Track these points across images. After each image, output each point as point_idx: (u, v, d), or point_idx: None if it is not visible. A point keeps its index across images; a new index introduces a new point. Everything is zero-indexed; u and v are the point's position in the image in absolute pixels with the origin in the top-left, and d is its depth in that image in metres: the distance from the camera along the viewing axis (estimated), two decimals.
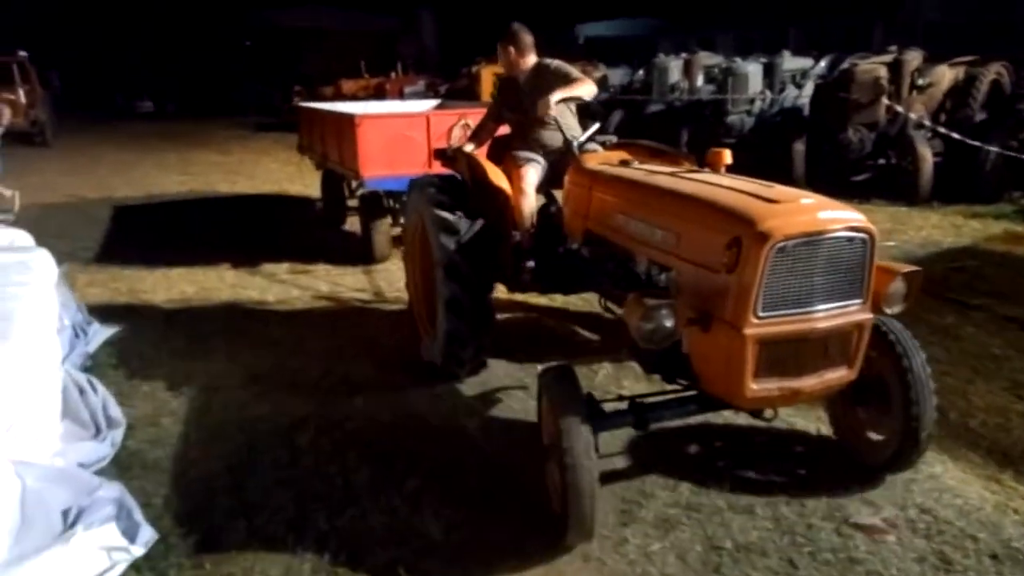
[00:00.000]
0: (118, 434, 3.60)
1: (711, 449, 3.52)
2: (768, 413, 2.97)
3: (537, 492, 2.96)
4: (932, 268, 6.26)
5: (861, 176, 9.97)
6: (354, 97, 20.52)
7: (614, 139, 4.39)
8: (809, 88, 11.82)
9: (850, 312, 2.66)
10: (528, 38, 4.32)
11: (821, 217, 2.60)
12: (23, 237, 5.54)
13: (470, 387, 4.18)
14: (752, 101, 11.92)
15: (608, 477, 3.09)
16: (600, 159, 3.80)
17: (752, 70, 11.81)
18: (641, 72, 15.04)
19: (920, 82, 9.30)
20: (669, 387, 3.05)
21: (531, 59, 4.35)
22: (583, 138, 3.99)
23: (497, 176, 4.19)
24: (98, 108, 31.91)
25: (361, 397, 4.06)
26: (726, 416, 3.47)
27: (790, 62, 12.35)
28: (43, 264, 4.77)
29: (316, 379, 4.30)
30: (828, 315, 2.62)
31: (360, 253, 6.94)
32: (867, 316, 2.72)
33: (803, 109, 11.62)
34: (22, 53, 20.03)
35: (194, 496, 3.15)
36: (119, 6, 36.22)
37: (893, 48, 9.80)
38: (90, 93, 34.79)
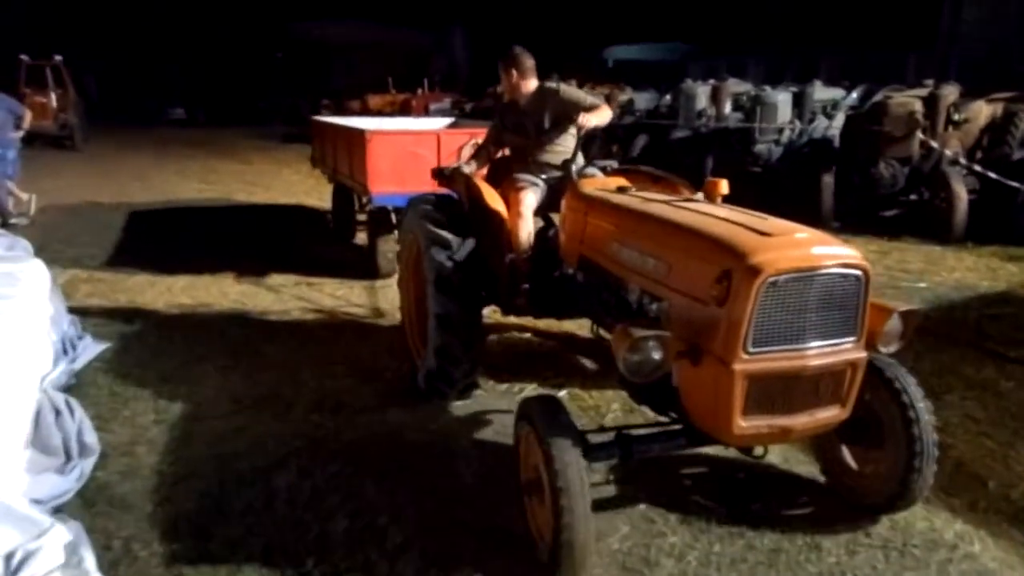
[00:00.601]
0: (88, 464, 3.39)
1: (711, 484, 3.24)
2: (758, 450, 2.92)
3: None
4: (967, 314, 5.95)
5: (890, 212, 9.62)
6: (380, 112, 20.57)
7: (614, 164, 4.32)
8: (840, 119, 11.49)
9: (843, 350, 2.60)
10: (529, 61, 4.29)
11: (815, 252, 2.54)
12: (22, 245, 5.42)
13: (465, 422, 3.94)
14: (781, 131, 11.64)
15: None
16: (597, 184, 3.75)
17: (782, 99, 11.54)
18: (668, 97, 14.84)
19: (956, 117, 8.98)
20: (659, 418, 2.99)
21: (532, 82, 4.33)
22: (580, 162, 3.91)
23: (493, 198, 4.15)
24: (131, 114, 32.34)
25: (350, 432, 3.82)
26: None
27: (821, 92, 12.04)
28: (34, 276, 4.62)
29: (305, 411, 4.06)
30: (820, 353, 2.56)
31: (366, 268, 6.92)
32: (861, 355, 2.65)
33: (833, 140, 11.32)
34: (57, 57, 20.31)
35: (158, 541, 2.91)
36: (158, 14, 36.81)
37: (929, 82, 9.48)
38: (125, 99, 35.31)
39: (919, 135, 8.76)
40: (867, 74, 16.40)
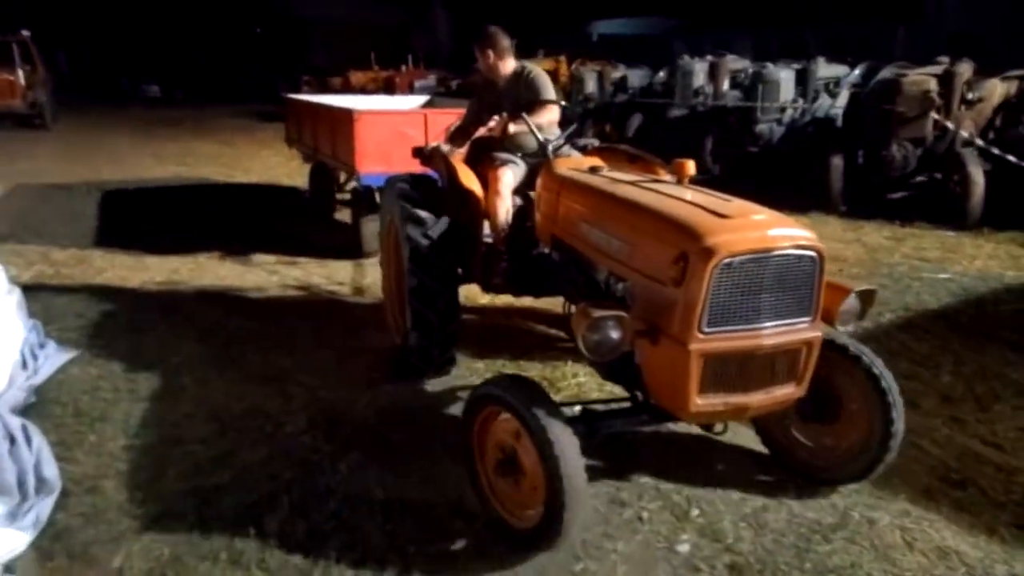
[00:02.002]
0: (46, 505, 2.94)
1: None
2: (719, 427, 3.00)
3: None
4: (999, 308, 5.61)
5: (898, 194, 9.27)
6: (363, 90, 19.96)
7: (595, 143, 4.38)
8: (843, 98, 11.13)
9: (798, 329, 2.65)
10: (505, 41, 4.32)
11: (770, 234, 2.58)
12: None
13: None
14: (783, 109, 11.25)
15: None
16: (571, 164, 3.73)
17: (784, 76, 11.14)
18: (662, 74, 14.37)
19: (971, 96, 8.60)
20: (626, 395, 3.05)
21: (510, 63, 4.37)
22: (557, 141, 3.95)
23: (468, 177, 4.20)
24: (105, 92, 31.33)
25: (347, 457, 3.39)
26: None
27: (824, 69, 11.63)
28: None
29: (296, 431, 3.63)
30: (775, 332, 2.61)
31: (349, 247, 6.91)
32: (815, 334, 2.70)
33: (836, 119, 10.96)
34: (24, 32, 19.41)
35: None
36: None
37: (944, 59, 9.06)
38: (98, 76, 34.21)
39: (933, 115, 8.38)
40: (852, 49, 15.92)
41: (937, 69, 8.75)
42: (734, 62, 13.08)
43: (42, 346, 4.44)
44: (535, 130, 3.86)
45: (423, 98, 9.80)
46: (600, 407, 3.08)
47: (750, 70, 12.44)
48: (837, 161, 9.09)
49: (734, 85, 12.56)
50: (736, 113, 11.67)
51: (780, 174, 10.90)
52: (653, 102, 13.39)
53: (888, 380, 2.94)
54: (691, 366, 2.52)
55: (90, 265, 6.61)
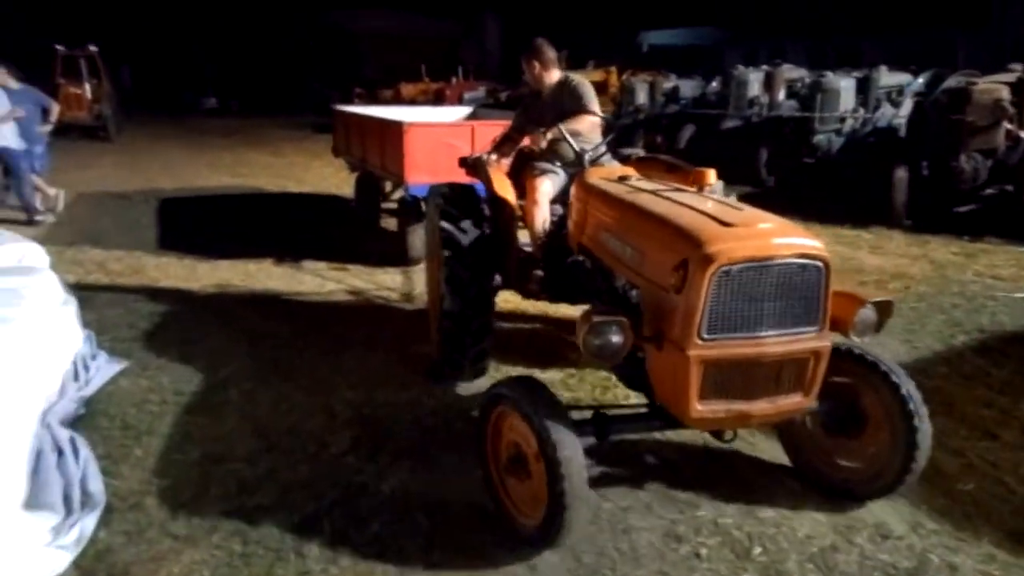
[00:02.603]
0: (90, 521, 2.91)
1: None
2: (728, 435, 3.02)
3: None
4: None
5: (967, 208, 8.84)
6: (413, 101, 20.11)
7: (639, 152, 4.45)
8: (907, 107, 10.71)
9: (804, 339, 2.64)
10: (551, 53, 4.39)
11: (772, 243, 2.59)
12: (34, 253, 4.97)
13: None
14: (843, 119, 10.86)
15: None
16: (602, 174, 3.74)
17: (845, 85, 10.76)
18: (715, 84, 14.08)
19: None
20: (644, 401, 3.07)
21: (555, 74, 4.43)
22: (596, 151, 4.02)
23: (502, 186, 4.29)
24: (166, 104, 32.28)
25: (392, 478, 3.29)
26: None
27: (887, 77, 11.22)
28: (42, 291, 4.18)
29: (340, 451, 3.54)
30: (779, 341, 2.61)
31: (396, 255, 7.05)
32: (824, 343, 2.68)
33: (899, 130, 10.54)
34: (92, 47, 20.09)
35: None
36: (192, 3, 36.69)
37: (1017, 66, 8.64)
38: (160, 89, 35.29)
39: (1006, 124, 7.97)
40: (913, 58, 15.34)
41: (1010, 77, 8.34)
42: (791, 71, 12.74)
43: (94, 357, 4.47)
44: (570, 140, 3.94)
45: (467, 109, 9.98)
46: (614, 411, 3.10)
47: (807, 79, 12.09)
48: (901, 173, 8.72)
49: (790, 95, 12.24)
50: (792, 123, 11.33)
51: (838, 186, 10.55)
52: (706, 113, 13.11)
53: (909, 388, 2.89)
54: (691, 372, 2.55)
55: (144, 275, 6.71)
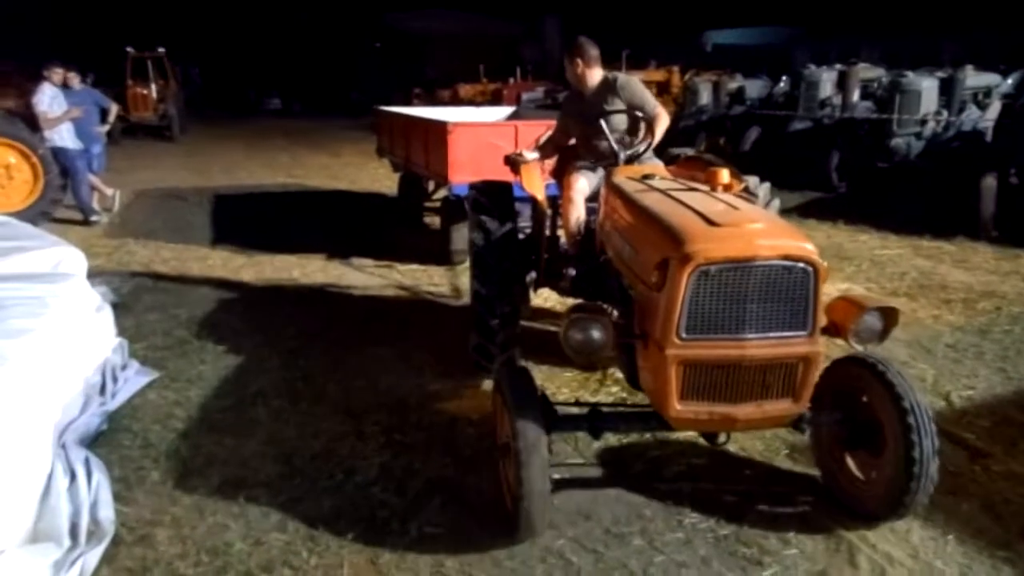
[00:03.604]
0: (94, 555, 2.70)
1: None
2: (720, 438, 2.98)
3: None
4: None
5: None
6: (471, 102, 19.95)
7: (688, 152, 4.37)
8: (994, 109, 9.94)
9: (792, 343, 2.57)
10: (594, 51, 4.30)
11: (755, 243, 2.51)
12: (72, 258, 4.84)
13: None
14: (923, 122, 10.15)
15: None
16: (628, 173, 3.68)
17: (927, 85, 10.04)
18: (784, 84, 13.45)
19: None
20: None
21: (597, 72, 4.33)
22: (634, 150, 3.99)
23: (532, 184, 4.34)
24: (232, 104, 33.04)
25: (415, 518, 3.00)
26: None
27: (973, 78, 10.44)
28: (70, 299, 4.03)
29: (366, 482, 3.27)
30: (764, 344, 2.54)
31: (439, 252, 7.08)
32: (813, 349, 2.60)
33: (985, 134, 9.79)
34: (160, 49, 20.63)
35: None
36: (260, 5, 37.50)
37: None
38: (228, 89, 36.18)
39: None
40: (997, 58, 14.31)
41: None
42: (866, 71, 12.05)
43: (124, 367, 4.33)
44: (610, 136, 3.87)
45: (509, 109, 10.09)
46: (619, 410, 3.17)
47: (885, 79, 11.39)
48: (990, 181, 8.03)
49: (865, 95, 11.57)
50: (868, 126, 10.68)
51: (917, 193, 9.86)
52: (773, 114, 12.52)
53: (913, 398, 2.69)
54: (669, 371, 2.53)
55: (189, 278, 6.61)
